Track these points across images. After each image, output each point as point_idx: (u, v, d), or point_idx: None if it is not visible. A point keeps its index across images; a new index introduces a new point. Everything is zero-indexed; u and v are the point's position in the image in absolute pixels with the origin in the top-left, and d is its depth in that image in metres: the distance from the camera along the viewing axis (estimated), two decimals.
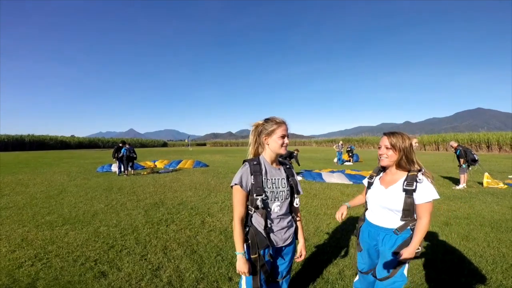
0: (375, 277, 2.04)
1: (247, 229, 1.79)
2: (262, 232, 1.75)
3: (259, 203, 1.71)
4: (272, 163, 1.87)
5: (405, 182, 1.86)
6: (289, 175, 1.91)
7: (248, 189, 1.74)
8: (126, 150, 11.82)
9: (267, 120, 1.84)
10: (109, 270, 3.16)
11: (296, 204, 1.90)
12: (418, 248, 1.85)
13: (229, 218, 5.11)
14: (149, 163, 15.74)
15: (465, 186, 8.40)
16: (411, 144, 1.89)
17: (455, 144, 9.21)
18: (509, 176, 10.65)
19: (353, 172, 11.10)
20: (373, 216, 2.06)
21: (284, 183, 1.85)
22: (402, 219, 1.88)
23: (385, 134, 1.96)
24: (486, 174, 8.94)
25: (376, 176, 2.11)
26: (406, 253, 1.81)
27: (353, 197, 2.38)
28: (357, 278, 2.37)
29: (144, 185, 9.15)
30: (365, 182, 2.20)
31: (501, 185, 8.42)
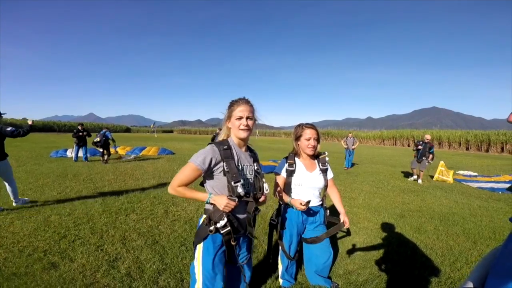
0: (306, 241, 2.44)
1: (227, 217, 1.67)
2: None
3: (240, 190, 1.62)
4: (241, 147, 1.81)
5: (320, 164, 2.38)
6: (255, 160, 1.89)
7: (204, 173, 1.67)
8: (109, 135, 11.27)
9: (231, 102, 1.78)
10: (61, 261, 2.94)
11: (266, 190, 1.80)
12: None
13: (195, 208, 4.99)
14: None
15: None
16: None
17: (430, 138, 9.20)
18: (456, 172, 11.60)
19: (266, 163, 10.72)
20: (303, 199, 2.27)
21: (252, 170, 1.82)
22: (321, 194, 2.43)
23: (311, 127, 2.28)
24: (442, 162, 9.61)
25: (294, 163, 2.35)
26: (346, 217, 2.38)
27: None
28: (281, 269, 2.57)
29: (102, 172, 8.65)
30: (283, 171, 2.38)
31: (450, 178, 9.13)
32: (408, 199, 6.43)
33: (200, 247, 1.72)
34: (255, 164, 1.85)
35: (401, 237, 4.01)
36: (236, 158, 1.71)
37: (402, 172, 10.95)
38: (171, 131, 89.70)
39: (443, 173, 9.35)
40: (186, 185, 1.65)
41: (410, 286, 2.74)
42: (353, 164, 12.48)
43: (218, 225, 1.65)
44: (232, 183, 1.63)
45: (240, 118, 1.70)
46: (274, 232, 2.50)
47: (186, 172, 1.63)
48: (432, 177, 9.54)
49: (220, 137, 1.82)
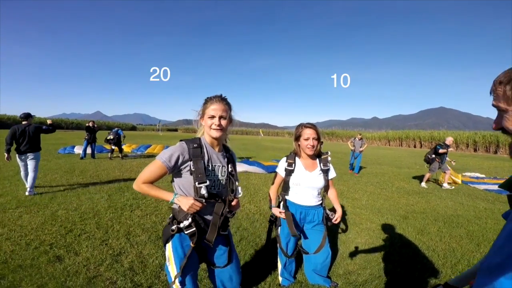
0: (306, 253, 2.45)
1: (192, 217, 1.61)
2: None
3: (203, 191, 1.55)
4: (214, 147, 1.73)
5: (321, 164, 2.37)
6: (230, 162, 1.80)
7: (170, 171, 1.60)
8: (121, 132, 11.83)
9: (205, 99, 1.69)
10: (66, 255, 3.01)
11: (239, 194, 1.73)
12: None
13: None
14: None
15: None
16: None
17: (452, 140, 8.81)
18: (463, 174, 11.45)
19: (269, 163, 10.58)
20: (300, 198, 2.38)
21: (224, 171, 1.73)
22: (321, 194, 2.43)
23: (310, 127, 2.29)
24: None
25: (294, 163, 2.38)
26: (339, 216, 2.37)
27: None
28: (280, 267, 2.61)
29: (109, 169, 8.78)
30: (282, 170, 2.42)
31: (458, 180, 8.94)
32: (412, 201, 6.39)
33: (169, 247, 1.66)
34: (229, 166, 1.76)
35: (404, 239, 4.00)
36: (206, 157, 1.64)
37: (415, 177, 10.75)
38: (176, 130, 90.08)
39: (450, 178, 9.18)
40: (152, 182, 1.59)
41: (409, 287, 2.74)
42: (361, 168, 11.14)
43: (182, 225, 1.59)
44: (197, 183, 1.55)
45: (213, 117, 1.62)
46: (274, 230, 2.54)
47: (152, 168, 1.57)
48: (436, 180, 9.42)
49: (199, 135, 1.76)
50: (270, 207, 2.47)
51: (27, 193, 5.27)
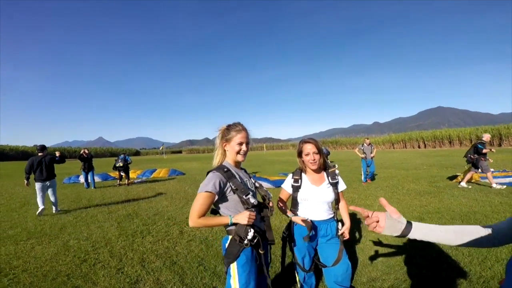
0: (324, 266, 2.31)
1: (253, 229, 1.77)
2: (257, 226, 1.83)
3: (252, 200, 1.76)
4: (236, 167, 1.95)
5: (329, 177, 2.32)
6: (250, 176, 2.06)
7: (218, 195, 1.73)
8: (129, 159, 11.82)
9: (228, 126, 1.90)
10: (84, 285, 2.96)
11: (271, 195, 1.96)
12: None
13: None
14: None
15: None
16: None
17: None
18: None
19: (276, 178, 10.50)
20: (310, 213, 2.32)
21: (251, 183, 1.97)
22: (332, 208, 2.36)
23: (309, 142, 2.28)
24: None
25: (300, 178, 2.35)
26: (347, 230, 2.27)
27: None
28: (300, 283, 2.50)
29: (115, 196, 8.73)
30: (288, 186, 2.40)
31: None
32: (425, 202, 6.29)
33: (234, 265, 1.77)
34: (251, 179, 2.02)
35: (424, 240, 3.89)
36: (237, 176, 1.84)
37: (415, 174, 10.65)
38: (180, 152, 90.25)
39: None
40: (204, 214, 1.70)
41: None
42: (374, 176, 10.46)
43: (249, 237, 1.72)
44: (244, 196, 1.76)
45: (241, 143, 1.85)
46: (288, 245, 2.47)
47: (201, 201, 1.68)
48: (452, 177, 9.29)
49: (216, 160, 1.94)
50: (286, 214, 2.35)
51: (54, 211, 6.45)
